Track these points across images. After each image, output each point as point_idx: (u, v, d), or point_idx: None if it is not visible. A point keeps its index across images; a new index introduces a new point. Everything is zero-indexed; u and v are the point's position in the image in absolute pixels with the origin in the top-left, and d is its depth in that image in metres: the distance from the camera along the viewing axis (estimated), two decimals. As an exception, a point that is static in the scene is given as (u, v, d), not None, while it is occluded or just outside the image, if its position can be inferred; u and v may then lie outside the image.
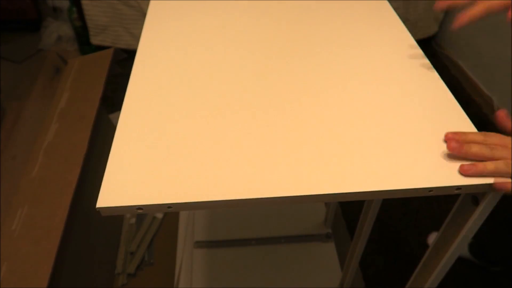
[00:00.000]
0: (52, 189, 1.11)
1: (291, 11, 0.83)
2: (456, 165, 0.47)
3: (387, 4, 0.86)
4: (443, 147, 0.49)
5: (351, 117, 0.54)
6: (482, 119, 1.97)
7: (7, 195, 1.61)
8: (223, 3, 0.85)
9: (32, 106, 2.09)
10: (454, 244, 0.54)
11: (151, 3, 0.86)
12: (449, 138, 0.49)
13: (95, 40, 2.27)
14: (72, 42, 2.46)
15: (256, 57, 0.67)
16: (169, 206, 0.41)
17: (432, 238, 1.51)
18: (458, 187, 0.45)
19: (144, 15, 2.05)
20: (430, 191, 0.45)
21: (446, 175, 0.46)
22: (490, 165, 0.45)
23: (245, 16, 0.81)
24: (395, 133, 0.52)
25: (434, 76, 0.63)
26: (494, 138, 0.47)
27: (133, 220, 1.55)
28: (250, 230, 1.42)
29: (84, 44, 2.35)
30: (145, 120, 0.52)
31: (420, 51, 0.70)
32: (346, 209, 1.61)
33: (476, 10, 0.53)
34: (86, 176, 1.17)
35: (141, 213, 0.41)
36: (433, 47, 2.43)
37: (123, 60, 1.61)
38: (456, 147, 0.47)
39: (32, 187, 1.12)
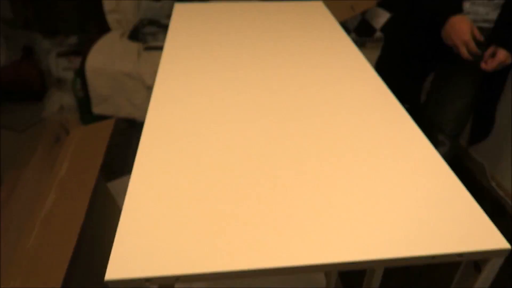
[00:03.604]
0: (47, 262, 1.09)
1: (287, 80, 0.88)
2: (457, 231, 0.48)
3: (378, 79, 0.92)
4: (442, 214, 0.51)
5: (350, 186, 0.56)
6: (476, 186, 2.00)
7: (1, 267, 1.57)
8: (224, 68, 0.90)
9: (30, 175, 2.09)
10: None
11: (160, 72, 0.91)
12: None
13: (96, 110, 2.34)
14: (73, 112, 2.53)
15: (259, 131, 0.70)
16: (177, 277, 0.41)
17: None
18: (460, 254, 0.46)
19: (145, 86, 2.14)
20: (432, 258, 0.46)
21: (448, 242, 0.47)
22: None
23: (248, 89, 0.86)
24: (394, 201, 0.53)
25: (425, 143, 0.66)
26: None
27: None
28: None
29: (86, 113, 2.41)
30: (153, 191, 0.54)
31: (409, 119, 0.74)
32: (347, 279, 1.57)
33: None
34: (82, 247, 1.15)
35: (149, 286, 0.41)
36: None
37: (124, 130, 1.66)
38: None
39: (26, 259, 1.10)
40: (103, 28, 2.48)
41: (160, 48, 2.22)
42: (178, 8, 1.42)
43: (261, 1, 1.52)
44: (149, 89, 2.14)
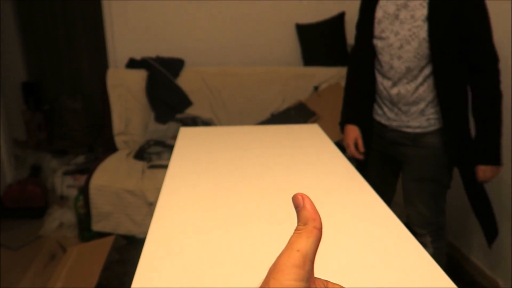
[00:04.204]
0: None
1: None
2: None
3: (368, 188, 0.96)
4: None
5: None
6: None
7: None
8: (223, 182, 0.94)
9: (20, 295, 2.00)
10: None
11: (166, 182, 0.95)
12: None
13: (96, 227, 2.33)
14: (72, 229, 2.51)
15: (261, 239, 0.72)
16: None
17: None
18: None
19: (147, 203, 2.17)
20: None
21: None
22: None
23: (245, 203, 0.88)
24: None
25: (413, 243, 0.66)
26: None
27: None
28: None
29: (85, 230, 2.40)
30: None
31: (403, 227, 0.75)
32: None
33: None
34: None
35: None
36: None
37: (122, 247, 1.64)
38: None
39: None
40: (111, 148, 2.61)
41: (164, 167, 2.31)
42: (183, 131, 1.53)
43: (261, 125, 1.63)
44: (150, 205, 2.17)
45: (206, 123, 2.68)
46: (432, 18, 1.37)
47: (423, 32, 1.39)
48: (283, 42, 2.95)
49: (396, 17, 1.44)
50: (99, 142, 3.64)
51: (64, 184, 2.81)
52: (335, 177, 1.10)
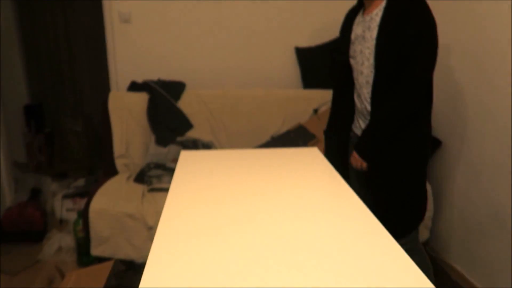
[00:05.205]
0: None
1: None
2: None
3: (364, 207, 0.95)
4: None
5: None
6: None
7: None
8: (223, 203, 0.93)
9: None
10: None
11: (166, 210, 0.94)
12: None
13: (95, 251, 2.30)
14: (71, 253, 2.49)
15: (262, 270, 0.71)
16: None
17: None
18: None
19: (146, 227, 2.16)
20: None
21: None
22: None
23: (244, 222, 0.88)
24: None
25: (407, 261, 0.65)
26: None
27: None
28: None
29: (83, 254, 2.37)
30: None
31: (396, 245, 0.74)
32: None
33: None
34: None
35: None
36: (428, 253, 2.48)
37: (121, 272, 1.62)
38: None
39: None
40: (111, 171, 2.61)
41: (164, 190, 2.30)
42: (184, 154, 1.53)
43: (261, 148, 1.64)
44: (150, 229, 2.15)
45: (207, 145, 2.68)
46: (379, 38, 1.53)
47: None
48: (283, 65, 2.99)
49: (363, 37, 1.61)
50: (100, 165, 3.64)
51: (63, 208, 2.80)
52: (334, 202, 1.10)
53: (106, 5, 2.80)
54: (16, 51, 3.84)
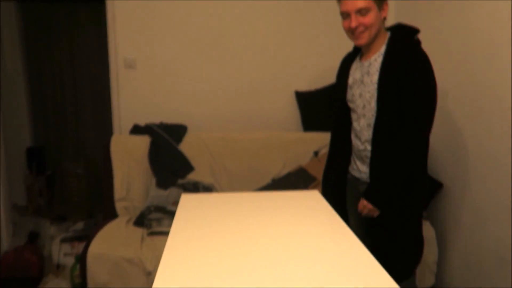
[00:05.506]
0: None
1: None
2: None
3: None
4: None
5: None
6: None
7: None
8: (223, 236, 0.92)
9: None
10: None
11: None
12: None
13: (91, 298, 2.24)
14: (67, 300, 2.42)
15: None
16: None
17: None
18: None
19: (145, 272, 2.11)
20: None
21: None
22: None
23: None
24: None
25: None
26: None
27: None
28: None
29: (79, 301, 2.30)
30: None
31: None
32: None
33: None
34: None
35: None
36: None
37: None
38: None
39: None
40: (111, 214, 2.59)
41: (164, 233, 2.27)
42: (184, 197, 1.53)
43: (262, 191, 1.64)
44: (149, 275, 2.10)
45: (208, 188, 2.68)
46: (380, 82, 1.56)
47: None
48: (283, 108, 3.04)
49: (362, 81, 1.65)
50: (99, 208, 3.61)
51: (61, 252, 2.74)
52: (336, 247, 1.08)
53: (112, 51, 2.89)
54: (21, 94, 3.91)
